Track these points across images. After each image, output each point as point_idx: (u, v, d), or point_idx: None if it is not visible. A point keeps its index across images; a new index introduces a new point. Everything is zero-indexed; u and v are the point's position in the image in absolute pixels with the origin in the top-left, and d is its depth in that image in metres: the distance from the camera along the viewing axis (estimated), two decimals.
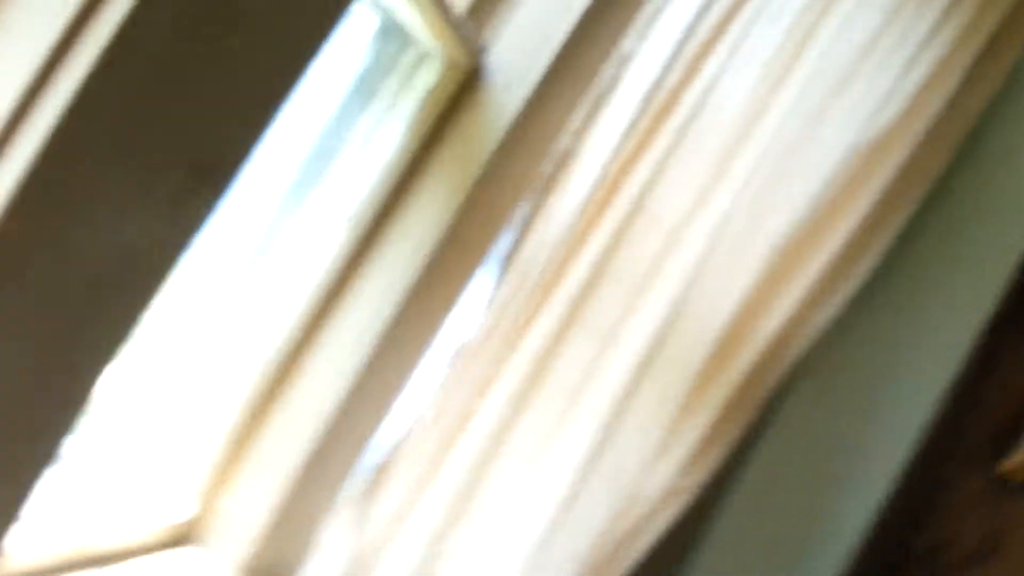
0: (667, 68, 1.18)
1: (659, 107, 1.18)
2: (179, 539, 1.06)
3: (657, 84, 1.18)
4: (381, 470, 1.13)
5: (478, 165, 1.14)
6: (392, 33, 1.15)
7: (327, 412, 1.09)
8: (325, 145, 1.16)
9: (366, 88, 1.17)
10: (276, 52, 0.72)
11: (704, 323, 1.19)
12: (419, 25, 1.08)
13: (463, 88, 1.16)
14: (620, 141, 1.16)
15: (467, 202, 1.15)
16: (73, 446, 0.91)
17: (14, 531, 0.70)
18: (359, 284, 1.12)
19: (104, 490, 0.98)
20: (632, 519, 1.17)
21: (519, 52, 1.15)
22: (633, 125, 1.17)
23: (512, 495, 1.15)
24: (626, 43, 1.19)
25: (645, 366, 1.18)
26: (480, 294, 1.18)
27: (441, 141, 1.15)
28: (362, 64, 1.15)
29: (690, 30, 1.19)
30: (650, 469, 1.17)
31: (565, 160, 1.17)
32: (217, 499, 1.09)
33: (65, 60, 0.57)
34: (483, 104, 1.15)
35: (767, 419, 1.33)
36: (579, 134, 1.17)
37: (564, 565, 1.15)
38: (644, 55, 1.19)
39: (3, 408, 0.63)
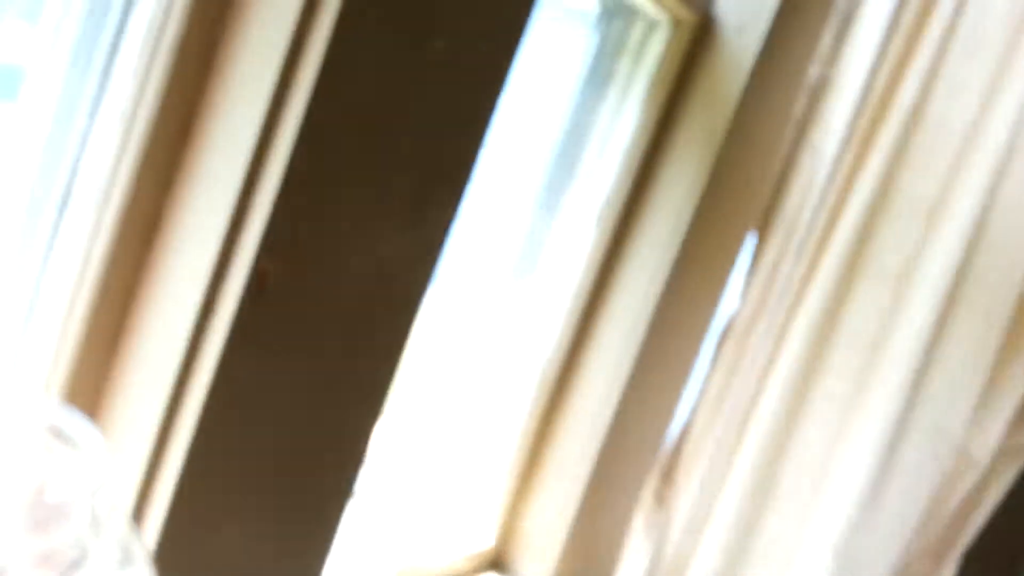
0: None
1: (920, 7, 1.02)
2: (484, 566, 1.08)
3: None
4: (672, 464, 1.08)
5: (724, 119, 1.06)
6: (615, 12, 1.11)
7: (607, 415, 1.06)
8: (569, 144, 1.14)
9: (599, 76, 1.13)
10: (479, 46, 0.71)
11: (1012, 247, 1.00)
12: None
13: (695, 45, 1.08)
14: (878, 54, 1.02)
15: (719, 162, 1.07)
16: (365, 480, 0.94)
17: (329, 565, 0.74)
18: (619, 275, 1.08)
19: (400, 523, 1.02)
20: (962, 484, 1.01)
21: None
22: (891, 32, 1.02)
23: (816, 470, 1.04)
24: None
25: (948, 307, 1.01)
26: (745, 261, 1.09)
27: (683, 104, 1.09)
28: (590, 55, 1.13)
29: None
30: (973, 427, 1.00)
31: (819, 91, 1.05)
32: (514, 521, 1.09)
33: (287, 99, 0.59)
34: (719, 55, 1.07)
35: None
36: (830, 60, 1.05)
37: (886, 544, 1.02)
38: None
39: (304, 445, 0.67)
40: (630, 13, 1.11)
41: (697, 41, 1.09)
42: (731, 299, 1.11)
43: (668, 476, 1.06)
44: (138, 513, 0.59)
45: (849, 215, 1.04)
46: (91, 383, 0.61)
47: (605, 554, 1.11)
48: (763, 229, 1.08)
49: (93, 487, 0.46)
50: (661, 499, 1.06)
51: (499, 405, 1.09)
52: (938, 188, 1.03)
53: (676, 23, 1.09)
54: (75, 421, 0.50)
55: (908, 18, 1.02)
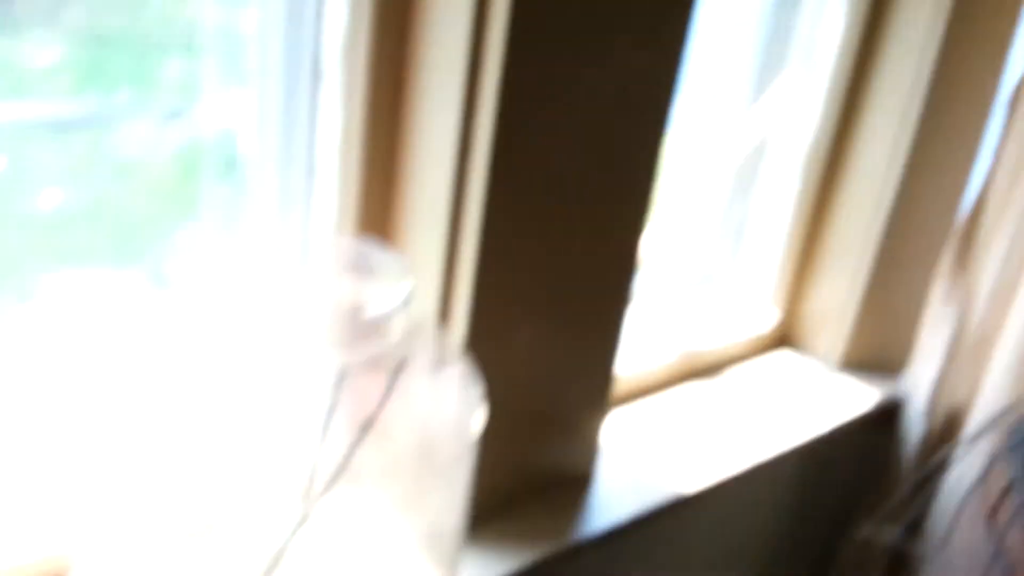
0: None
1: None
2: (771, 345, 1.08)
3: None
4: (969, 233, 1.00)
5: None
6: None
7: (890, 191, 0.98)
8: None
9: None
10: None
11: None
12: None
13: None
14: None
15: None
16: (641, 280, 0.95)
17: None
18: (886, 43, 0.97)
19: (681, 311, 1.04)
20: None
21: None
22: None
23: None
24: None
25: None
26: None
27: None
28: None
29: None
30: None
31: None
32: (800, 301, 1.07)
33: None
34: None
35: None
36: None
37: None
38: None
39: (579, 250, 0.69)
40: None
41: None
42: (1020, 58, 0.98)
43: (966, 245, 0.99)
44: (442, 322, 0.65)
45: None
46: (378, 216, 0.66)
47: (900, 327, 1.07)
48: None
49: (403, 303, 0.51)
50: (962, 267, 1.00)
51: (767, 192, 1.06)
52: None
53: None
54: (376, 250, 0.56)
55: None
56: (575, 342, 0.72)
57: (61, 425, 0.65)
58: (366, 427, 0.51)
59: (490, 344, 0.64)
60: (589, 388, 0.76)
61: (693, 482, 0.83)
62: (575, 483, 0.78)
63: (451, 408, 0.56)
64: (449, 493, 0.55)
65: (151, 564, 0.55)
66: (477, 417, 0.54)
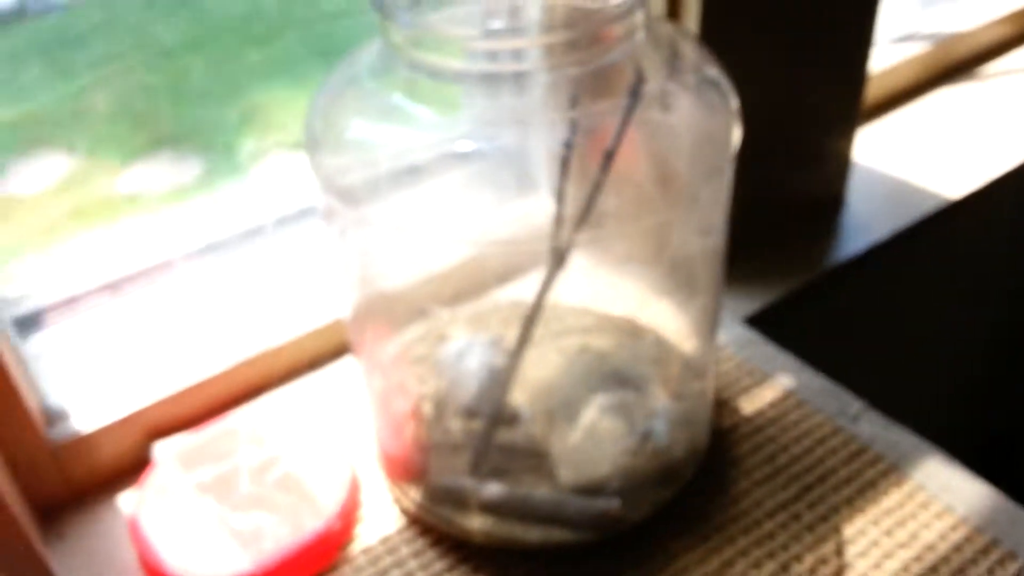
0: None
1: None
2: None
3: None
4: None
5: None
6: None
7: None
8: None
9: None
10: None
11: None
12: None
13: None
14: None
15: None
16: None
17: None
18: None
19: None
20: None
21: None
22: None
23: None
24: None
25: None
26: None
27: None
28: None
29: None
30: None
31: None
32: None
33: None
34: None
35: None
36: None
37: None
38: None
39: None
40: None
41: None
42: None
43: None
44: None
45: None
46: None
47: None
48: None
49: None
50: None
51: None
52: None
53: None
54: None
55: None
56: (821, 51, 0.62)
57: None
58: (610, 155, 0.44)
59: (725, 53, 0.55)
60: (838, 100, 0.67)
61: (950, 190, 0.73)
62: (828, 206, 0.71)
63: (703, 123, 0.48)
64: (706, 221, 0.49)
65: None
66: (736, 130, 0.46)
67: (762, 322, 0.60)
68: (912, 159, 0.77)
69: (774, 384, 0.56)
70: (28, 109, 0.92)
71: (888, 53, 0.84)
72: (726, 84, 0.46)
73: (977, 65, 0.88)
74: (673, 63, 0.47)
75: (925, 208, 0.71)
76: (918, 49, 0.85)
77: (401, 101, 0.43)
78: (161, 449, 0.51)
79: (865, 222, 0.70)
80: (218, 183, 0.81)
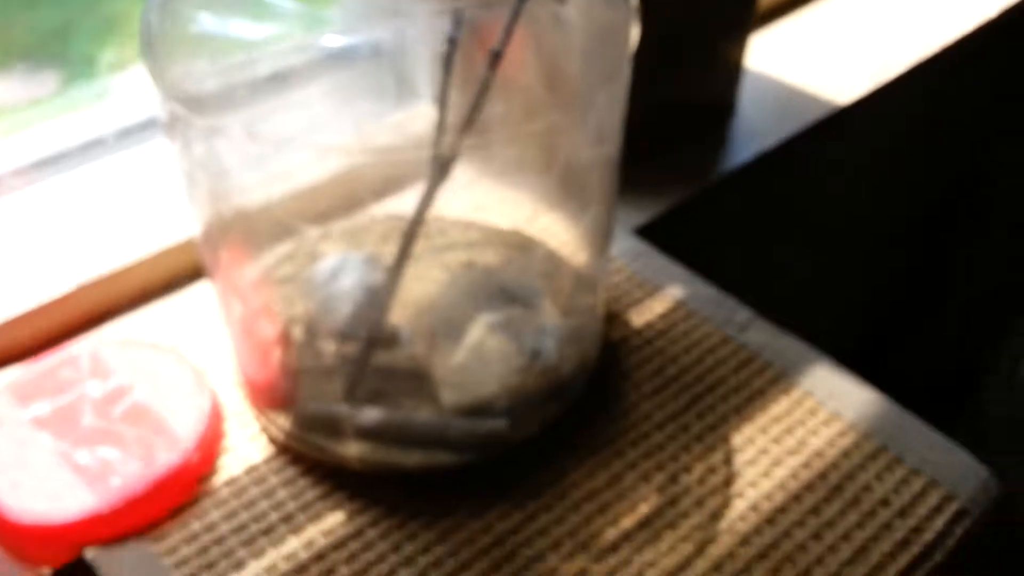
0: None
1: None
2: None
3: None
4: None
5: None
6: None
7: None
8: None
9: None
10: None
11: None
12: None
13: None
14: None
15: None
16: None
17: None
18: None
19: None
20: None
21: None
22: None
23: None
24: None
25: None
26: None
27: None
28: None
29: None
30: None
31: None
32: None
33: None
34: None
35: None
36: None
37: None
38: None
39: None
40: None
41: None
42: None
43: None
44: None
45: None
46: None
47: None
48: None
49: None
50: None
51: None
52: None
53: None
54: None
55: None
56: None
57: None
58: (497, 54, 0.40)
59: None
60: (732, 4, 0.64)
61: (839, 96, 0.72)
62: (719, 114, 0.69)
63: (599, 20, 0.45)
64: (601, 128, 0.45)
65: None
66: (634, 29, 0.43)
67: (652, 233, 0.58)
68: (802, 66, 0.76)
69: (664, 296, 0.54)
70: None
71: None
72: None
73: None
74: None
75: (814, 115, 0.70)
76: None
77: None
78: None
79: (755, 129, 0.69)
80: (75, 97, 0.73)
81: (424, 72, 0.49)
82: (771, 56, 0.77)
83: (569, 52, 0.46)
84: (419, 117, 0.49)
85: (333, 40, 0.41)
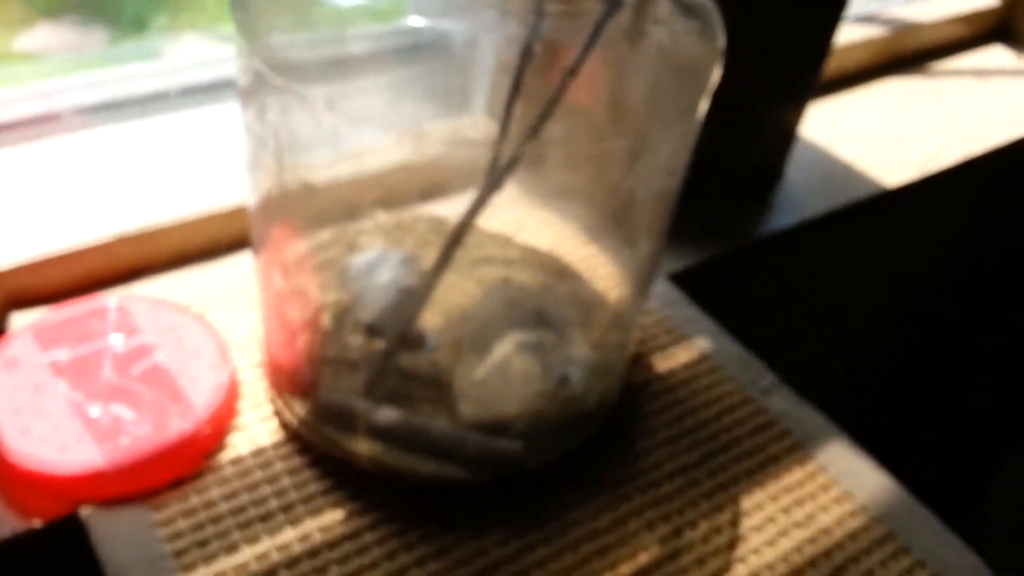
0: None
1: None
2: (986, 32, 0.91)
3: None
4: None
5: None
6: None
7: None
8: None
9: None
10: None
11: None
12: None
13: None
14: None
15: None
16: None
17: None
18: None
19: None
20: None
21: None
22: None
23: None
24: None
25: None
26: None
27: None
28: None
29: None
30: None
31: None
32: None
33: None
34: None
35: None
36: None
37: None
38: None
39: None
40: None
41: None
42: None
43: None
44: None
45: None
46: None
47: None
48: None
49: None
50: None
51: None
52: None
53: None
54: None
55: None
56: (791, 13, 0.58)
57: None
58: (571, 73, 0.40)
59: None
60: (799, 70, 0.64)
61: (887, 178, 0.72)
62: (767, 176, 0.69)
63: (682, 52, 0.44)
64: (666, 164, 0.45)
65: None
66: (717, 68, 0.42)
67: (686, 281, 0.58)
68: (854, 142, 0.76)
69: (691, 346, 0.54)
70: None
71: (845, 32, 0.82)
72: (716, 15, 0.42)
73: (930, 60, 0.87)
74: None
75: (860, 192, 0.70)
76: (873, 33, 0.83)
77: None
78: (20, 320, 0.45)
79: (800, 197, 0.69)
80: (124, 57, 0.73)
81: (487, 80, 0.49)
82: (825, 127, 0.77)
83: (643, 79, 0.46)
84: (476, 125, 0.49)
85: (413, 22, 0.41)
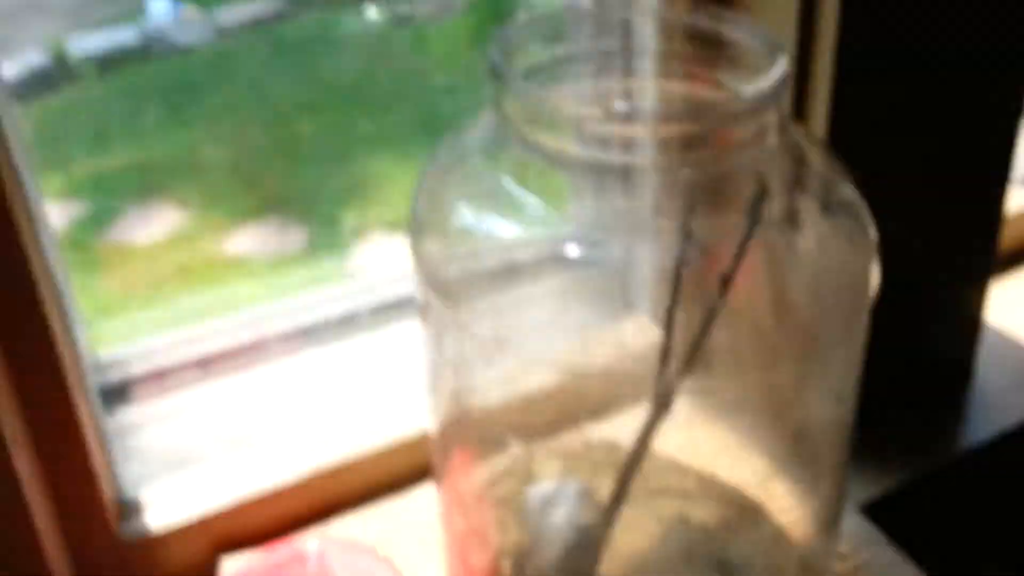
0: None
1: None
2: None
3: None
4: None
5: None
6: None
7: None
8: None
9: None
10: None
11: None
12: None
13: None
14: None
15: None
16: None
17: None
18: None
19: None
20: None
21: None
22: None
23: None
24: None
25: None
26: None
27: None
28: None
29: None
30: None
31: None
32: None
33: None
34: None
35: None
36: None
37: None
38: None
39: None
40: None
41: None
42: None
43: None
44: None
45: None
46: None
47: None
48: None
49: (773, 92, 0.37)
50: None
51: None
52: None
53: None
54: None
55: None
56: (955, 178, 0.56)
57: None
58: (727, 280, 0.38)
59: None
60: (971, 242, 0.59)
61: None
62: (954, 377, 0.65)
63: (836, 257, 0.43)
64: (838, 382, 0.43)
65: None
66: (873, 273, 0.41)
67: (879, 512, 0.54)
68: None
69: None
70: (145, 156, 0.94)
71: (1017, 196, 0.76)
72: (863, 209, 0.40)
73: None
74: (801, 177, 0.42)
75: None
76: None
77: (510, 186, 0.39)
78: (230, 565, 0.49)
79: (996, 398, 0.64)
80: (320, 256, 0.80)
81: (647, 286, 0.49)
82: (1015, 310, 0.72)
83: (802, 289, 0.44)
84: (640, 331, 0.49)
85: (570, 250, 0.42)
